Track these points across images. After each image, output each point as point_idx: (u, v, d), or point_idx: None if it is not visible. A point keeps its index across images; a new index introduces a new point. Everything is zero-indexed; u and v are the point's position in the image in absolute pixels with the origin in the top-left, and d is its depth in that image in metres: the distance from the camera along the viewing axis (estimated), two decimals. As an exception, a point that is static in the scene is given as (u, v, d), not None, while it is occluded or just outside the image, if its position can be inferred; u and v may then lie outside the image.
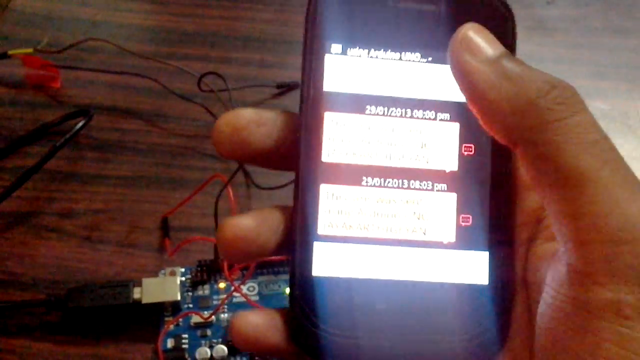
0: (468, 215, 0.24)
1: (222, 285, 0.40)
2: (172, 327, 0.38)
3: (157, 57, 0.52)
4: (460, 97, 0.22)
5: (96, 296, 0.39)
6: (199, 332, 0.38)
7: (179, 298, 0.39)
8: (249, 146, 0.24)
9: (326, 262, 0.24)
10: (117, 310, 0.39)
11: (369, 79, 0.24)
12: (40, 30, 0.56)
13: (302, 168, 0.24)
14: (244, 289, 0.40)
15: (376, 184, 0.24)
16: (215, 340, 0.38)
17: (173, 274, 0.40)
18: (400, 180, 0.24)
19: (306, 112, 0.24)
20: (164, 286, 0.39)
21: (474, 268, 0.24)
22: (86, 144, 0.49)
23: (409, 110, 0.25)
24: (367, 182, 0.24)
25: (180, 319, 0.39)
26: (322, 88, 0.24)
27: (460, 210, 0.24)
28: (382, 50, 0.24)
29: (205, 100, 0.51)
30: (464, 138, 0.25)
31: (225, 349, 0.37)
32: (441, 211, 0.24)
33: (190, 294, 0.40)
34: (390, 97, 0.24)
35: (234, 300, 0.40)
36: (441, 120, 0.25)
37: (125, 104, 0.51)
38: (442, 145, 0.25)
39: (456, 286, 0.24)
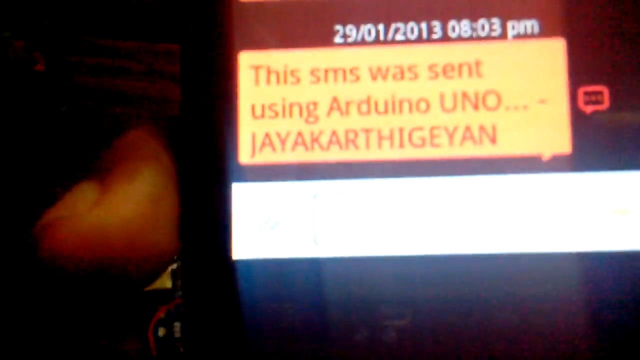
0: (598, 88, 0.13)
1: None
2: (163, 315, 0.38)
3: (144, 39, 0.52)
4: None
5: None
6: (190, 320, 0.38)
7: (169, 286, 0.39)
8: None
9: (262, 229, 0.13)
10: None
11: None
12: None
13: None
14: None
15: (366, 39, 0.14)
16: (206, 328, 0.38)
17: (165, 262, 0.40)
18: (422, 26, 0.14)
19: None
20: (155, 274, 0.39)
21: (625, 212, 0.13)
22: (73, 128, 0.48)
23: None
24: (345, 35, 0.14)
25: (172, 307, 0.38)
26: None
27: (577, 77, 0.13)
28: None
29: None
30: None
31: (217, 336, 0.37)
32: (530, 85, 0.13)
33: (181, 281, 0.40)
34: None
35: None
36: None
37: (112, 87, 0.51)
38: None
39: (583, 258, 0.13)
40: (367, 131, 0.13)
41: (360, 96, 0.13)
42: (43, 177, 0.45)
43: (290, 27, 0.13)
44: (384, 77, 0.13)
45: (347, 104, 0.13)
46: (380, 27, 0.13)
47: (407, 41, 0.13)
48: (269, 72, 0.13)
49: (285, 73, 0.13)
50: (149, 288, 0.38)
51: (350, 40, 0.13)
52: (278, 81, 0.13)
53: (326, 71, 0.13)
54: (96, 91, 0.50)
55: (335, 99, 0.13)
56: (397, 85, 0.13)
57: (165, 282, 0.39)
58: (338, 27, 0.13)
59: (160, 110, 0.49)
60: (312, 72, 0.13)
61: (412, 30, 0.13)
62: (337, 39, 0.13)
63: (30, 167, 0.45)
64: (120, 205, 0.12)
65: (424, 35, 0.13)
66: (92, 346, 0.39)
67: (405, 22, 0.13)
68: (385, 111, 0.13)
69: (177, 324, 0.38)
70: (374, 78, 0.13)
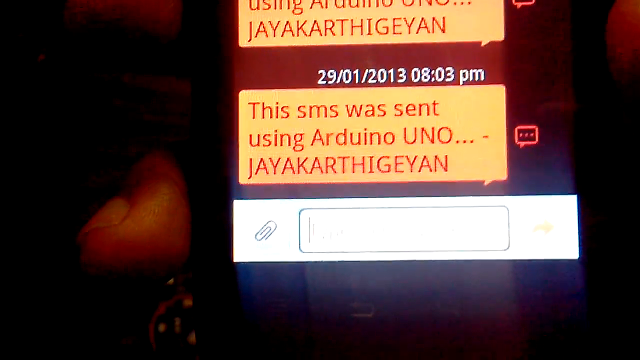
0: (530, 127, 0.16)
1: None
2: (163, 311, 0.39)
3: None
4: None
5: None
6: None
7: (171, 281, 0.40)
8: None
9: (257, 237, 0.16)
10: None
11: None
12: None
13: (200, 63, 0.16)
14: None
15: (344, 81, 0.16)
16: (205, 324, 0.40)
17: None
18: (390, 72, 0.16)
19: None
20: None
21: (549, 229, 0.16)
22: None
23: None
24: (327, 78, 0.16)
25: (172, 303, 0.40)
26: None
27: (514, 117, 0.16)
28: None
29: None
30: None
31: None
32: (476, 123, 0.16)
33: (182, 276, 0.41)
34: None
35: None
36: None
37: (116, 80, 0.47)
38: None
39: (513, 265, 0.16)
40: (343, 158, 0.16)
41: (339, 129, 0.16)
42: (46, 169, 0.46)
43: (281, 70, 0.16)
44: (358, 114, 0.16)
45: (328, 135, 0.16)
46: (356, 71, 0.16)
47: (377, 84, 0.16)
48: (264, 107, 0.16)
49: (277, 109, 0.16)
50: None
51: (331, 82, 0.16)
52: (271, 115, 0.16)
53: (311, 108, 0.16)
54: (100, 83, 0.50)
55: (318, 131, 0.16)
56: (368, 121, 0.16)
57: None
58: (321, 71, 0.16)
59: (166, 107, 0.48)
60: (299, 109, 0.16)
61: (381, 75, 0.16)
62: (320, 81, 0.16)
63: (33, 159, 0.45)
64: (145, 217, 0.15)
65: (392, 79, 0.16)
66: (93, 341, 0.40)
67: (377, 68, 0.16)
68: (359, 142, 0.16)
69: (177, 320, 0.40)
70: (350, 114, 0.16)
